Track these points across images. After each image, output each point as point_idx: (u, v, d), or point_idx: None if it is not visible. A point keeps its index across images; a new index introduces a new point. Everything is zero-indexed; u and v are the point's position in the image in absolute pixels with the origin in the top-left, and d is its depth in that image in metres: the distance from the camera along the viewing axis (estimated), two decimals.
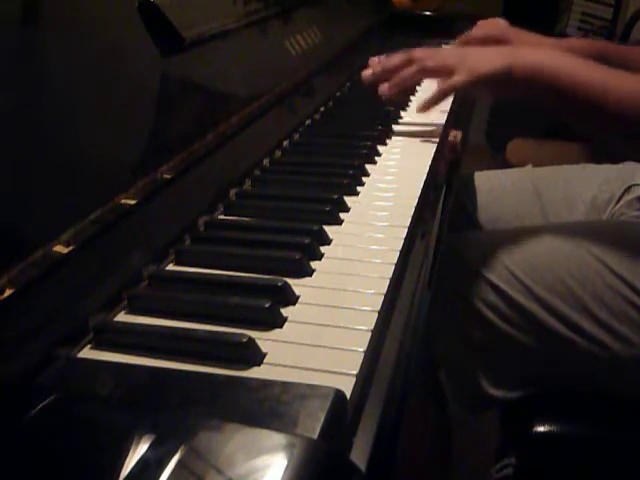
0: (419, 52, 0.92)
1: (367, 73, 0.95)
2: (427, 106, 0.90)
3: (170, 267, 0.60)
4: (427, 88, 1.12)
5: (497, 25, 1.09)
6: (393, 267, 0.59)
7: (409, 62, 0.91)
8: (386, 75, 0.93)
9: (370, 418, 0.43)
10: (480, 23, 1.11)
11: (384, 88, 0.92)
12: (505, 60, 0.82)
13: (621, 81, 0.77)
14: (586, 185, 1.08)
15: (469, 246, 0.93)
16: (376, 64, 0.95)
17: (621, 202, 1.03)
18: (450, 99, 1.05)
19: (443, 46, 1.56)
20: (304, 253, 0.59)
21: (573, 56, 0.81)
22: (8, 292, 0.44)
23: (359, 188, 0.76)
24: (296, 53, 1.04)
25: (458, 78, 0.85)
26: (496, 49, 0.87)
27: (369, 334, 0.49)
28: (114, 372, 0.45)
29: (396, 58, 0.93)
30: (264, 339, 0.48)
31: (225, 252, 0.62)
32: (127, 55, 0.69)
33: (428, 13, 1.77)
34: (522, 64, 0.82)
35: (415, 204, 0.72)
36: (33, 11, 0.59)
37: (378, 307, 0.53)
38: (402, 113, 1.05)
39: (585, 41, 1.05)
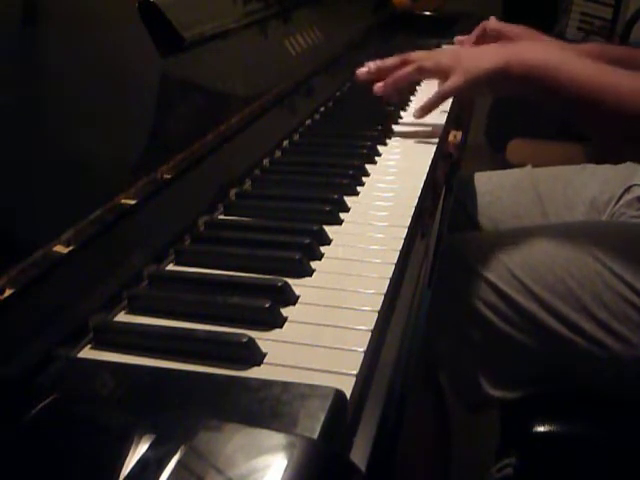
0: (415, 54, 0.92)
1: (362, 71, 0.95)
2: (425, 109, 0.90)
3: (170, 267, 0.60)
4: (426, 90, 1.13)
5: (500, 25, 1.09)
6: (393, 267, 0.59)
7: (405, 63, 0.91)
8: (381, 75, 0.93)
9: (370, 418, 0.43)
10: (483, 23, 1.11)
11: (378, 87, 0.93)
12: (501, 57, 0.82)
13: (619, 78, 0.77)
14: (586, 185, 1.08)
15: (469, 246, 0.93)
16: (372, 64, 0.95)
17: (621, 202, 1.03)
18: (450, 99, 1.05)
19: (443, 46, 1.57)
20: (304, 253, 0.59)
21: (571, 52, 0.81)
22: (8, 292, 0.44)
23: (359, 188, 0.76)
24: (296, 53, 1.04)
25: (455, 79, 0.85)
26: (492, 47, 0.87)
27: (369, 334, 0.49)
28: (114, 372, 0.45)
29: (392, 60, 0.93)
30: (264, 339, 0.48)
31: (225, 252, 0.62)
32: (127, 55, 0.69)
33: (428, 13, 1.77)
34: (519, 61, 0.81)
35: (415, 204, 0.72)
36: (33, 11, 0.59)
37: (378, 307, 0.53)
38: (402, 113, 1.05)
39: (593, 45, 1.04)
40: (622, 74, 0.77)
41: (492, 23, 1.11)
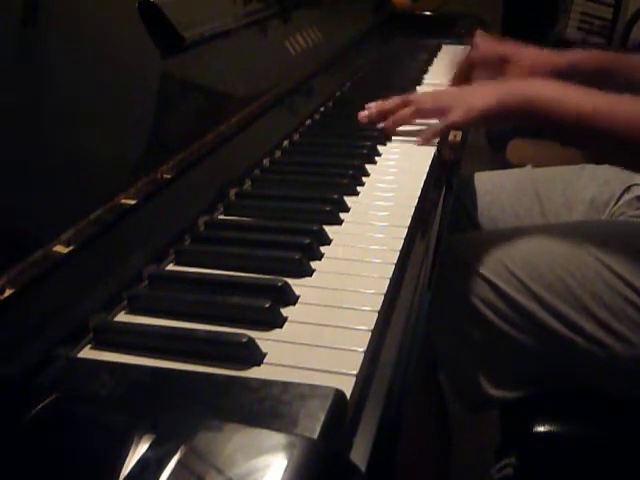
0: (414, 95, 0.96)
1: (363, 114, 0.97)
2: (425, 141, 0.92)
3: (170, 267, 0.60)
4: (426, 89, 1.13)
5: (494, 44, 1.09)
6: (393, 267, 0.59)
7: (405, 104, 0.93)
8: (382, 117, 0.95)
9: (370, 418, 0.43)
10: (477, 40, 1.12)
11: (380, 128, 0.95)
12: (498, 96, 0.85)
13: (613, 105, 0.78)
14: (585, 185, 1.08)
15: (469, 246, 0.93)
16: (373, 106, 0.97)
17: (620, 202, 1.03)
18: None
19: (442, 46, 1.57)
20: (304, 253, 0.59)
21: (563, 84, 0.83)
22: (8, 292, 0.44)
23: (359, 188, 0.76)
24: (296, 53, 1.04)
25: (455, 117, 0.87)
26: (488, 87, 0.89)
27: (369, 334, 0.49)
28: (114, 372, 0.45)
29: (392, 101, 0.95)
30: (264, 339, 0.48)
31: (225, 252, 0.62)
32: (127, 55, 0.69)
33: (428, 13, 1.77)
34: (514, 99, 0.84)
35: (415, 204, 0.72)
36: (33, 11, 0.59)
37: (378, 307, 0.53)
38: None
39: (590, 53, 1.05)
40: (616, 100, 0.78)
41: (475, 52, 1.11)
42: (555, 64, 1.02)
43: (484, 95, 0.86)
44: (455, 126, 0.90)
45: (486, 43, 1.10)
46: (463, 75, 1.11)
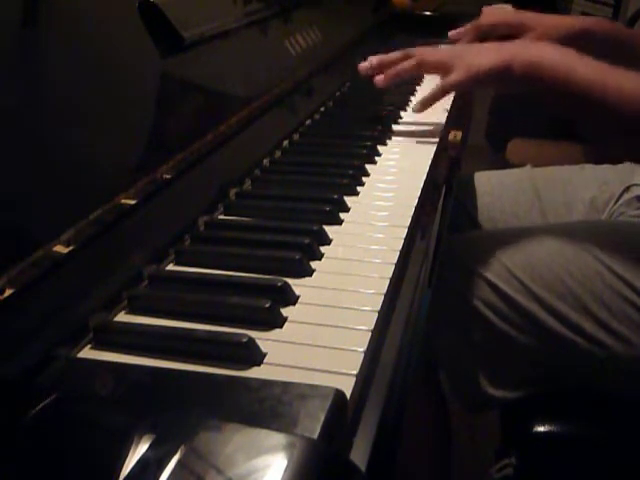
0: (417, 49, 0.93)
1: (364, 65, 0.96)
2: (426, 103, 0.90)
3: (170, 267, 0.60)
4: (426, 90, 1.13)
5: (505, 12, 1.08)
6: (393, 267, 0.59)
7: (407, 57, 0.92)
8: (383, 68, 0.94)
9: (370, 418, 0.43)
10: (486, 10, 1.10)
11: (379, 79, 0.94)
12: (503, 57, 0.82)
13: (621, 78, 0.77)
14: (585, 185, 1.08)
15: (469, 246, 0.93)
16: (374, 58, 0.96)
17: (620, 202, 1.03)
18: (450, 98, 1.05)
19: (442, 46, 1.56)
20: (304, 253, 0.59)
21: (573, 51, 0.81)
22: (8, 292, 0.44)
23: (359, 188, 0.76)
24: (296, 53, 1.04)
25: (456, 76, 0.85)
26: (494, 45, 0.87)
27: (369, 334, 0.49)
28: (114, 372, 0.45)
29: (394, 54, 0.94)
30: (264, 339, 0.48)
31: (225, 252, 0.62)
32: (127, 55, 0.69)
33: (428, 13, 1.77)
34: (520, 61, 0.81)
35: (415, 204, 0.72)
36: (33, 11, 0.59)
37: (378, 307, 0.53)
38: (402, 113, 1.05)
39: (601, 21, 1.04)
40: (625, 74, 0.77)
41: (486, 18, 1.10)
42: (567, 28, 1.01)
43: (490, 54, 0.84)
44: (456, 87, 0.88)
45: (495, 12, 1.09)
46: (466, 39, 1.10)
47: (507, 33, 1.05)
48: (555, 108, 0.88)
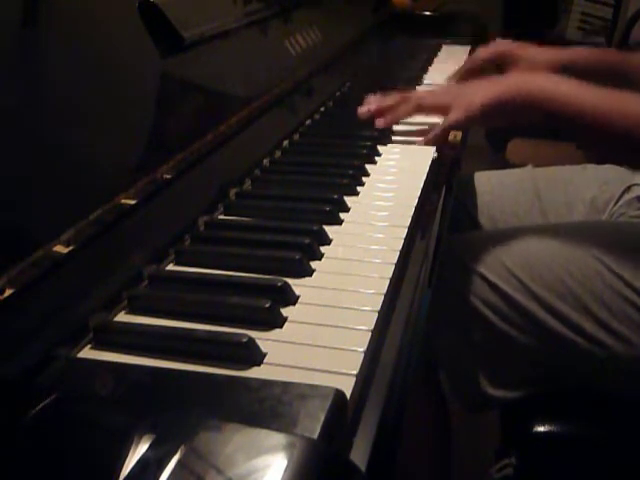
0: (415, 92, 0.97)
1: (363, 110, 0.96)
2: (430, 143, 0.91)
3: (170, 267, 0.60)
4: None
5: (500, 44, 1.10)
6: (393, 267, 0.59)
7: (404, 101, 0.93)
8: (382, 112, 0.95)
9: (370, 418, 0.43)
10: (481, 49, 1.12)
11: (380, 123, 0.95)
12: (501, 89, 0.84)
13: (621, 99, 0.77)
14: (586, 185, 1.08)
15: (469, 246, 0.93)
16: (373, 101, 0.96)
17: (621, 202, 1.03)
18: None
19: (442, 46, 1.57)
20: (304, 253, 0.59)
21: (567, 79, 0.82)
22: (8, 292, 0.44)
23: (359, 188, 0.76)
24: (296, 53, 1.04)
25: (456, 115, 0.87)
26: (490, 80, 0.89)
27: (369, 334, 0.49)
28: (114, 372, 0.45)
29: (392, 97, 0.95)
30: (264, 339, 0.48)
31: (225, 252, 0.62)
32: (127, 55, 0.69)
33: (428, 13, 1.78)
34: (519, 91, 0.83)
35: (415, 204, 0.72)
36: (33, 11, 0.59)
37: (378, 307, 0.53)
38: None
39: (590, 50, 1.05)
40: (626, 96, 0.78)
41: (481, 55, 1.12)
42: (554, 61, 1.02)
43: (484, 90, 0.85)
44: (456, 126, 0.90)
45: (481, 55, 1.11)
46: (463, 77, 1.11)
47: (500, 63, 1.07)
48: (555, 131, 0.90)
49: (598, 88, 0.79)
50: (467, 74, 1.11)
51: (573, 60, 1.01)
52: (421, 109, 0.93)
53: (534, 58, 1.04)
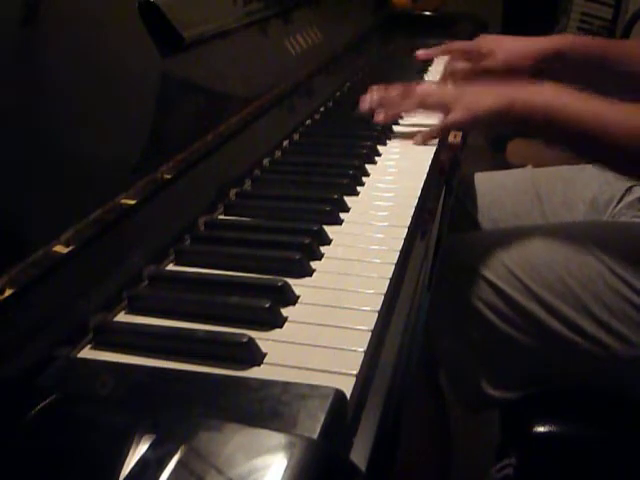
0: (419, 87, 0.94)
1: (365, 99, 0.96)
2: (425, 139, 0.91)
3: (170, 267, 0.60)
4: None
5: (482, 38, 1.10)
6: (393, 267, 0.59)
7: (407, 95, 0.92)
8: (384, 105, 0.95)
9: (370, 418, 0.43)
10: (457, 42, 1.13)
11: (380, 117, 0.95)
12: (503, 98, 0.83)
13: (621, 113, 0.77)
14: (586, 186, 1.08)
15: (469, 246, 0.93)
16: (374, 93, 0.96)
17: (621, 203, 1.03)
18: None
19: (442, 45, 1.57)
20: (304, 253, 0.59)
21: (571, 91, 0.81)
22: (8, 292, 0.44)
23: (359, 188, 0.76)
24: (296, 53, 1.04)
25: (456, 115, 0.86)
26: (494, 87, 0.88)
27: (369, 334, 0.49)
28: (114, 372, 0.45)
29: (395, 90, 0.94)
30: (264, 339, 0.48)
31: (225, 252, 0.62)
32: (127, 55, 0.69)
33: (428, 13, 1.78)
34: (520, 102, 0.82)
35: (415, 204, 0.72)
36: (33, 11, 0.59)
37: (378, 307, 0.53)
38: (402, 113, 1.05)
39: (580, 39, 1.04)
40: (624, 108, 0.77)
41: (455, 45, 1.12)
42: (532, 51, 1.01)
43: (489, 95, 0.85)
44: (455, 126, 0.90)
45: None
46: (445, 79, 1.11)
47: (474, 56, 1.06)
48: (554, 144, 0.89)
49: (599, 99, 0.78)
50: (450, 75, 1.10)
51: (558, 50, 1.00)
52: (424, 106, 0.92)
53: (509, 50, 1.04)
